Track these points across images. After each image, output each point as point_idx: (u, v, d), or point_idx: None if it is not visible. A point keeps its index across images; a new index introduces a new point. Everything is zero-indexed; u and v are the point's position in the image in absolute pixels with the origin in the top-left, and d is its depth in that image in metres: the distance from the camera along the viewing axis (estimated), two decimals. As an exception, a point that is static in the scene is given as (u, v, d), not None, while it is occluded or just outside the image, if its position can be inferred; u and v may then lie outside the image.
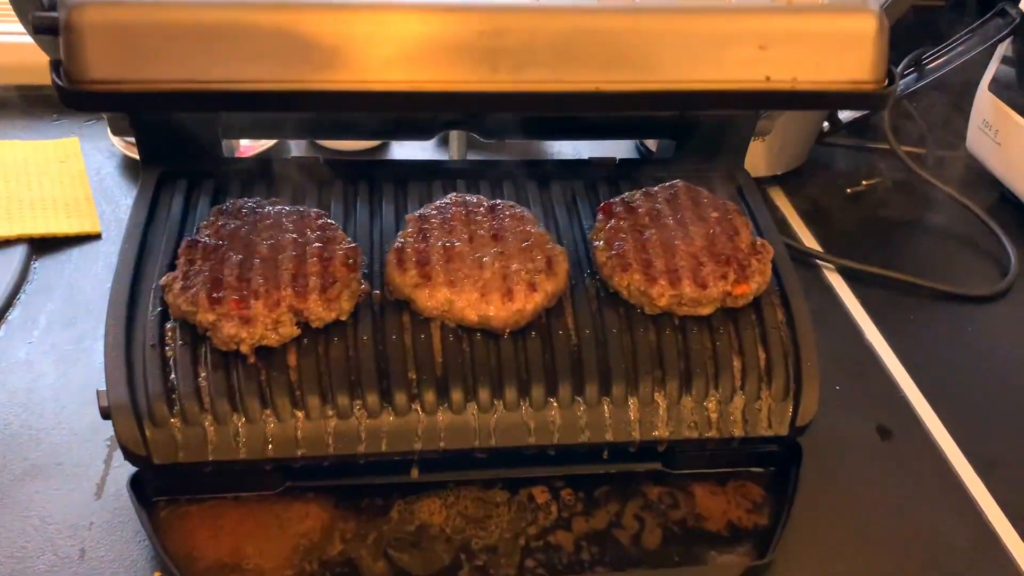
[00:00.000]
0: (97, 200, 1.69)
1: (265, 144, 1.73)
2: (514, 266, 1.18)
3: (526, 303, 1.14)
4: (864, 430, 1.35)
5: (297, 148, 1.82)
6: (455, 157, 1.54)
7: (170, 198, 1.31)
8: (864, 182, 1.85)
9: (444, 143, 1.75)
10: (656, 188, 1.34)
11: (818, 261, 1.70)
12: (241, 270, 1.14)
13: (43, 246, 1.50)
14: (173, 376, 1.09)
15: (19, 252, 1.52)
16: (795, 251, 1.69)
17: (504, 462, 1.19)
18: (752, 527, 1.18)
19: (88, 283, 1.49)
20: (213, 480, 1.14)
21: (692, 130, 1.44)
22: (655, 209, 1.30)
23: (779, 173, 1.90)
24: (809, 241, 1.75)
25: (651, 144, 1.88)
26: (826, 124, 1.94)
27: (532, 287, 1.16)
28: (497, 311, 1.13)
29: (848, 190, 1.86)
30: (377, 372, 1.12)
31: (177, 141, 1.35)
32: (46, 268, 1.52)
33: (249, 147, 1.75)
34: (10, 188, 1.65)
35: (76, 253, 1.52)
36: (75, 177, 1.73)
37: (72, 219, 1.62)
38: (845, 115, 1.95)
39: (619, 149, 1.90)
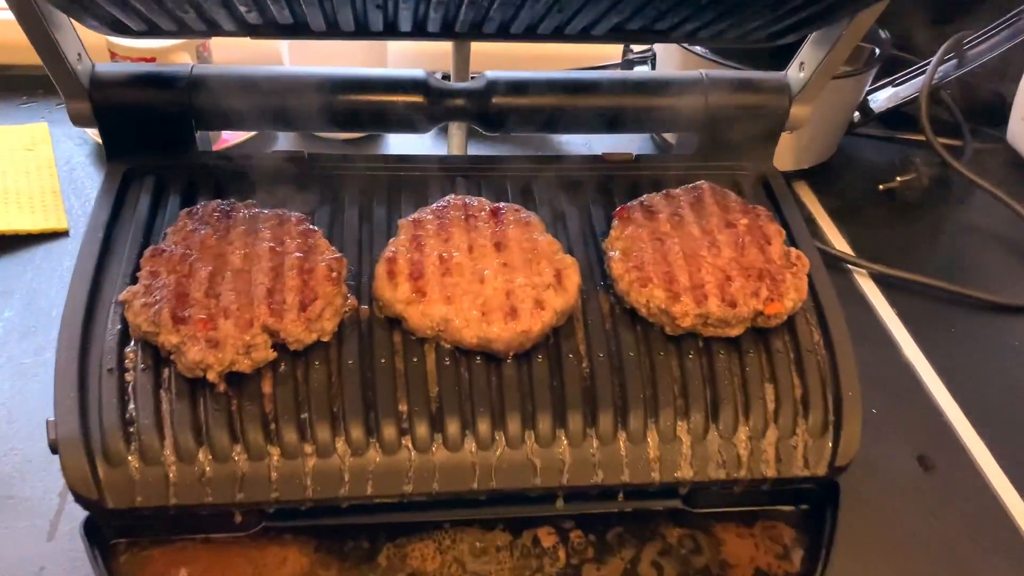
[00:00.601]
0: (65, 193, 1.55)
1: (248, 134, 1.59)
2: (519, 280, 1.05)
3: (532, 323, 1.01)
4: (904, 460, 1.22)
5: (287, 140, 1.68)
6: (455, 152, 1.40)
7: (136, 197, 1.17)
8: (899, 178, 1.70)
9: (443, 134, 1.61)
10: (679, 190, 1.20)
11: (849, 266, 1.56)
12: (210, 284, 1.01)
13: (3, 244, 1.38)
14: (132, 406, 0.96)
15: (-24, 251, 1.39)
16: (824, 255, 1.55)
17: (506, 500, 1.06)
18: None
19: (52, 287, 1.36)
20: (180, 520, 1.01)
21: (718, 122, 1.30)
22: (678, 214, 1.16)
23: (806, 167, 1.76)
24: (839, 242, 1.62)
25: (669, 138, 1.73)
26: (857, 114, 1.80)
27: (539, 305, 1.03)
28: (499, 332, 1.00)
29: (880, 186, 1.72)
30: (363, 402, 0.99)
31: (145, 132, 1.21)
32: (6, 269, 1.37)
33: (232, 137, 1.61)
34: (-30, 179, 1.52)
35: (40, 253, 1.40)
36: (42, 167, 1.60)
37: (37, 214, 1.49)
38: (878, 104, 1.81)
39: (633, 144, 1.76)
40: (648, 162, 1.32)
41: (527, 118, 1.27)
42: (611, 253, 1.11)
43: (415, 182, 1.24)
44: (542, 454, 0.99)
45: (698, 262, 1.09)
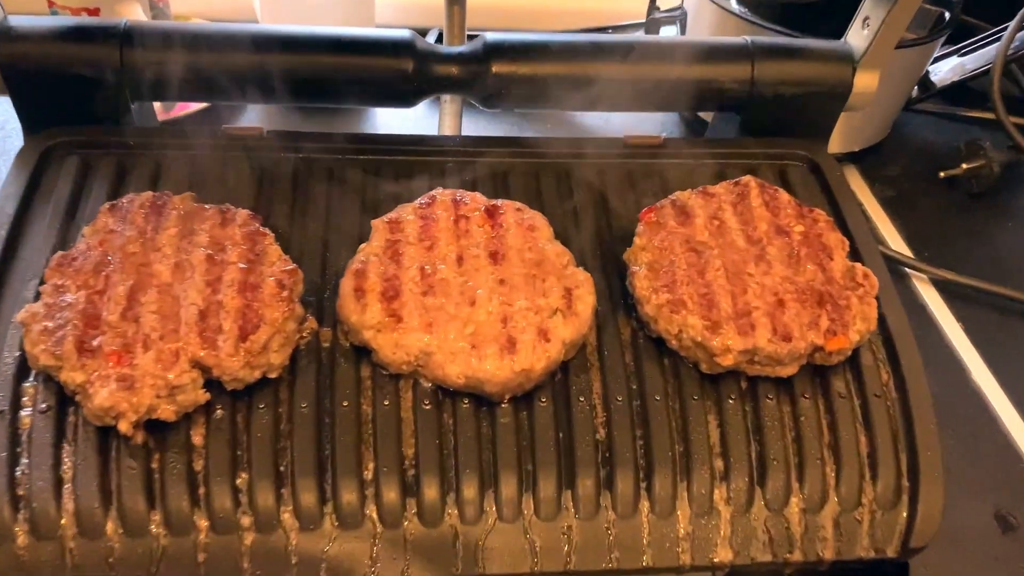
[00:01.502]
0: (-3, 167, 1.33)
1: (201, 105, 1.36)
2: (519, 303, 0.83)
3: (535, 359, 0.80)
4: (979, 518, 1.02)
5: (258, 114, 1.45)
6: (447, 132, 1.18)
7: (54, 184, 0.96)
8: (963, 164, 1.47)
9: (434, 109, 1.38)
10: (719, 187, 0.97)
11: (905, 269, 1.34)
12: (129, 304, 0.80)
13: None
14: (25, 460, 0.75)
15: None
16: (879, 255, 1.33)
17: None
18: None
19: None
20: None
21: (765, 99, 1.08)
22: (718, 218, 0.94)
23: (856, 149, 1.52)
24: (893, 240, 1.39)
25: (704, 116, 1.50)
26: (915, 88, 1.56)
27: (543, 335, 0.82)
28: (494, 370, 0.79)
29: (942, 173, 1.48)
30: (318, 459, 0.78)
31: (69, 102, 1.00)
32: None
33: (188, 107, 1.38)
34: None
35: None
36: (-29, 136, 1.37)
37: (-41, 193, 1.27)
38: (940, 77, 1.57)
39: (655, 124, 1.53)
40: (679, 147, 1.09)
41: (533, 91, 1.05)
42: (635, 267, 0.90)
43: (396, 170, 1.02)
44: (543, 530, 0.78)
45: (743, 281, 0.87)
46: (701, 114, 1.48)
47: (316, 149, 1.03)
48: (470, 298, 0.84)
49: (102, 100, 1.00)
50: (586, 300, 0.86)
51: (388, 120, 1.45)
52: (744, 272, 0.89)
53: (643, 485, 0.80)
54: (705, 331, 0.84)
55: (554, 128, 1.50)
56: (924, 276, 1.33)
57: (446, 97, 1.18)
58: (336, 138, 1.04)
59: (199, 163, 1.00)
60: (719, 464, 0.82)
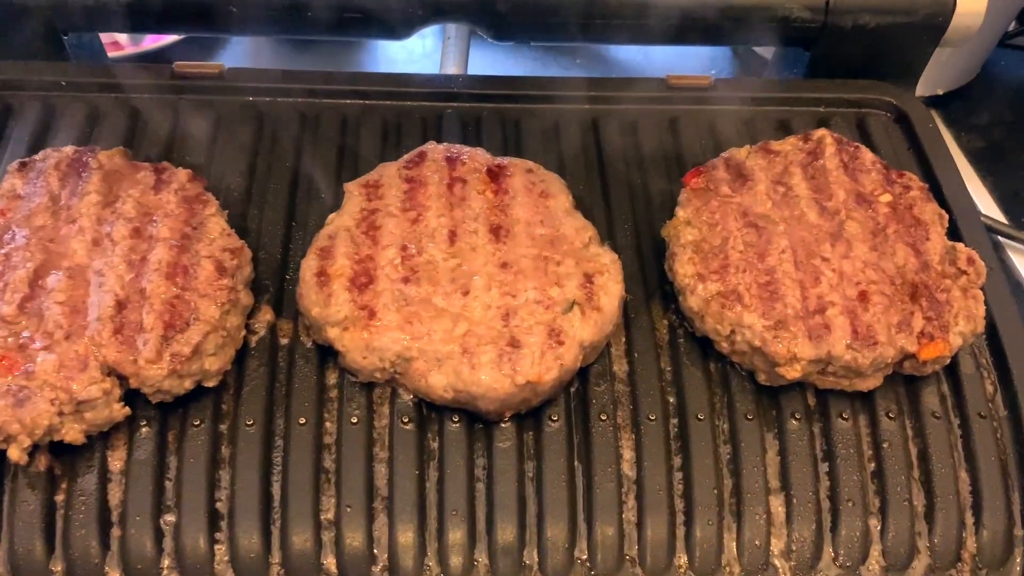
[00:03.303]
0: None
1: (168, 39, 1.17)
2: (526, 293, 0.66)
3: (543, 369, 0.63)
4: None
5: (244, 51, 1.25)
6: (451, 71, 0.97)
7: None
8: (1070, 111, 1.24)
9: (436, 43, 1.17)
10: (784, 142, 0.77)
11: (999, 238, 1.12)
12: (31, 290, 0.63)
13: None
14: None
15: None
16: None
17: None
18: None
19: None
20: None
21: (842, 29, 0.87)
22: (783, 183, 0.74)
23: (939, 93, 1.29)
24: (984, 201, 1.17)
25: (762, 52, 1.27)
26: (1013, 22, 1.32)
27: (556, 336, 0.64)
28: (491, 381, 0.62)
29: (1042, 121, 1.25)
30: (262, 494, 0.62)
31: None
32: None
33: (154, 40, 1.19)
34: None
35: None
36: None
37: None
38: (1044, 6, 1.32)
39: (702, 60, 1.30)
40: (732, 89, 0.90)
41: (553, 17, 0.85)
42: (677, 248, 0.70)
43: (383, 118, 0.84)
44: (551, 589, 0.62)
45: (815, 268, 0.68)
46: (758, 49, 1.26)
47: (285, 91, 0.84)
48: (463, 287, 0.66)
49: (28, 30, 0.83)
50: (611, 291, 0.68)
51: (388, 60, 1.25)
52: (817, 255, 0.69)
53: (680, 532, 0.63)
54: (766, 333, 0.65)
55: (584, 66, 1.29)
56: (1021, 246, 1.11)
57: (451, 29, 0.98)
58: (310, 77, 0.86)
59: (143, 109, 0.82)
60: (778, 505, 0.65)
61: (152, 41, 1.21)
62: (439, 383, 0.64)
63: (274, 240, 0.74)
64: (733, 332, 0.67)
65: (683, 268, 0.69)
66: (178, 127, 0.81)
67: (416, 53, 1.28)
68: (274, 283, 0.72)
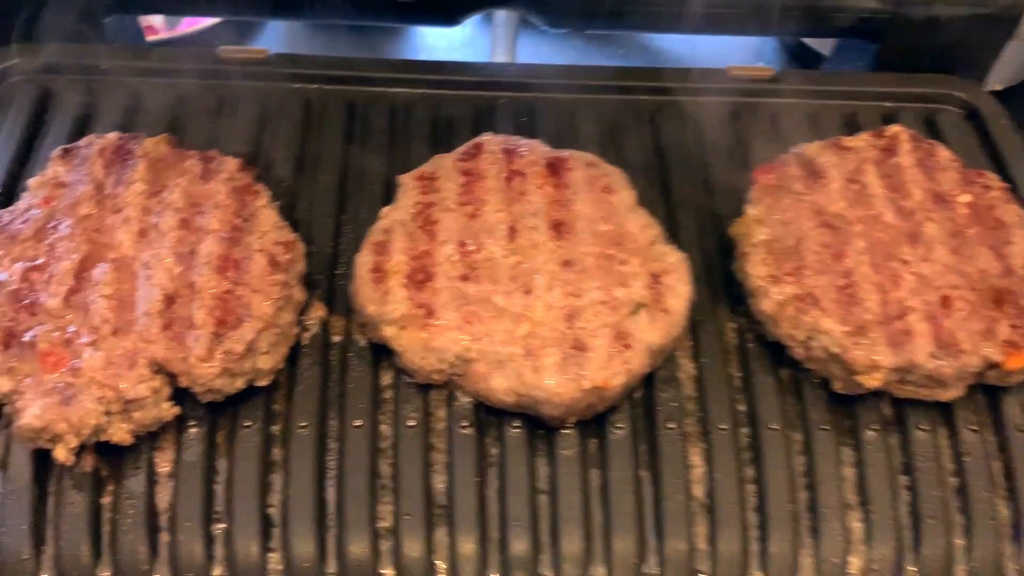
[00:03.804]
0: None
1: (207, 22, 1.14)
2: (590, 293, 0.63)
3: (611, 373, 0.60)
4: None
5: (279, 36, 1.21)
6: (500, 59, 0.94)
7: (4, 119, 0.77)
8: None
9: (484, 30, 1.13)
10: (858, 139, 0.74)
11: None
12: (77, 283, 0.61)
13: None
14: None
15: None
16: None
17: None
18: None
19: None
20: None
21: (911, 23, 0.82)
22: (857, 180, 0.71)
23: (999, 87, 1.24)
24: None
25: (818, 46, 1.22)
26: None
27: (623, 339, 0.61)
28: (556, 386, 0.59)
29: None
30: (317, 500, 0.59)
31: (27, 13, 0.79)
32: None
33: (191, 24, 1.16)
34: None
35: None
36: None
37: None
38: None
39: (748, 51, 1.25)
40: (795, 82, 0.87)
41: (611, 5, 0.81)
42: (747, 247, 0.67)
43: (433, 107, 0.80)
44: (617, 605, 0.59)
45: (894, 271, 0.65)
46: (810, 42, 1.21)
47: (333, 78, 0.81)
48: (524, 285, 0.63)
49: (68, 10, 0.80)
50: (679, 292, 0.65)
51: (427, 48, 1.21)
52: (895, 257, 0.66)
53: (755, 548, 0.60)
54: (845, 339, 0.62)
55: (627, 56, 1.25)
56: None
57: (499, 16, 0.94)
58: (359, 64, 0.83)
59: (187, 95, 0.79)
60: (856, 520, 0.61)
61: (187, 25, 1.18)
62: (500, 386, 0.61)
63: (324, 233, 0.71)
64: (809, 338, 0.63)
65: (756, 269, 0.66)
66: (222, 114, 0.78)
67: (456, 41, 1.25)
68: (326, 278, 0.69)
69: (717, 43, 1.29)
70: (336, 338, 0.66)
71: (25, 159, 0.74)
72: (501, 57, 0.93)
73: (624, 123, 0.81)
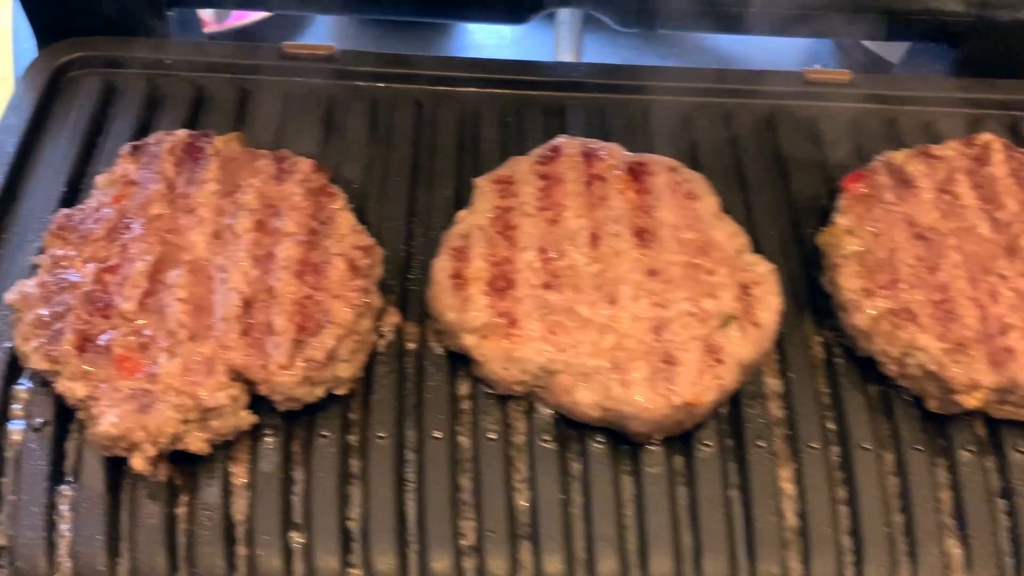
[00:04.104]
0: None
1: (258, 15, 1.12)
2: (679, 304, 0.60)
3: (702, 389, 0.58)
4: None
5: (327, 30, 1.19)
6: (565, 58, 0.91)
7: (68, 112, 0.75)
8: None
9: (545, 28, 1.11)
10: (947, 147, 0.72)
11: None
12: (151, 286, 0.59)
13: None
14: (12, 497, 0.56)
15: None
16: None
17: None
18: None
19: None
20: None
21: (996, 26, 0.80)
22: (949, 191, 0.68)
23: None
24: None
25: (881, 50, 1.18)
26: None
27: (714, 353, 0.58)
28: (646, 402, 0.56)
29: None
30: (397, 513, 0.57)
31: (89, 3, 0.78)
32: None
33: (241, 16, 1.14)
34: None
35: None
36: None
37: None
38: None
39: (798, 52, 1.22)
40: (872, 87, 0.84)
41: (689, 5, 0.78)
42: (838, 259, 0.65)
43: (503, 107, 0.78)
44: (709, 632, 0.56)
45: (991, 285, 0.62)
46: (872, 45, 1.18)
47: (400, 76, 0.79)
48: (609, 295, 0.61)
49: (130, 4, 0.78)
50: (770, 304, 0.62)
51: (475, 46, 1.19)
52: (992, 271, 0.64)
53: (849, 573, 0.58)
54: (943, 357, 0.59)
55: (680, 55, 1.22)
56: None
57: (563, 14, 0.92)
58: (427, 62, 0.80)
59: (251, 91, 0.77)
60: (954, 546, 0.59)
61: (236, 19, 1.16)
62: (586, 400, 0.59)
63: (395, 236, 0.69)
64: (905, 354, 0.61)
65: (848, 282, 0.64)
66: (289, 112, 0.76)
67: (507, 38, 1.22)
68: (398, 283, 0.67)
69: (771, 44, 1.26)
70: (411, 345, 0.64)
71: (89, 154, 0.73)
72: (565, 56, 0.90)
73: (698, 125, 0.78)
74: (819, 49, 1.27)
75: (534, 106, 0.79)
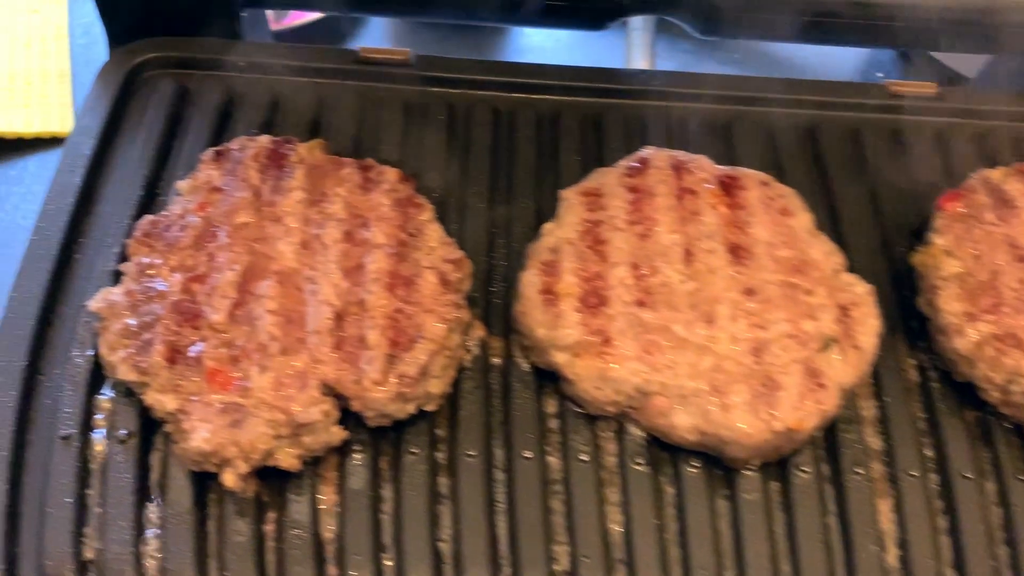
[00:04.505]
0: (78, 78, 1.11)
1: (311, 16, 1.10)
2: (777, 325, 0.58)
3: (805, 415, 0.56)
4: None
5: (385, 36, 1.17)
6: (637, 65, 0.89)
7: (142, 115, 0.74)
8: None
9: (617, 36, 1.09)
10: None
11: None
12: (240, 297, 0.58)
13: None
14: (98, 509, 0.55)
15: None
16: None
17: None
18: None
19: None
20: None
21: None
22: (1051, 212, 0.66)
23: None
24: None
25: (957, 66, 1.15)
26: None
27: (815, 378, 0.57)
28: (748, 427, 0.55)
29: None
30: (489, 535, 0.56)
31: (163, 5, 0.77)
32: None
33: (295, 17, 1.13)
34: (-52, 51, 1.10)
35: (33, 165, 1.00)
36: (48, 38, 1.16)
37: (33, 108, 1.06)
38: None
39: (858, 61, 1.19)
40: (961, 100, 0.81)
41: (775, 14, 0.77)
42: (937, 280, 0.63)
43: (582, 115, 0.77)
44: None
45: None
46: (943, 57, 1.14)
47: (477, 82, 0.78)
48: (706, 314, 0.60)
49: (204, 4, 0.77)
50: (870, 327, 0.61)
51: (535, 48, 1.17)
52: (1100, 297, 0.61)
53: (954, 608, 0.56)
54: (1052, 385, 0.57)
55: (742, 63, 1.19)
56: None
57: (635, 21, 0.90)
58: (505, 68, 0.79)
59: (326, 95, 0.76)
60: (1061, 583, 0.57)
61: (292, 19, 1.15)
62: (684, 423, 0.57)
63: (476, 247, 0.67)
64: (1009, 381, 0.59)
65: (949, 305, 0.62)
66: (366, 118, 0.75)
67: (562, 42, 1.20)
68: (481, 296, 0.65)
69: (830, 50, 1.23)
70: (495, 360, 0.63)
71: (166, 157, 0.72)
72: (638, 63, 0.88)
73: (783, 138, 0.76)
74: (880, 57, 1.25)
75: (613, 115, 0.77)
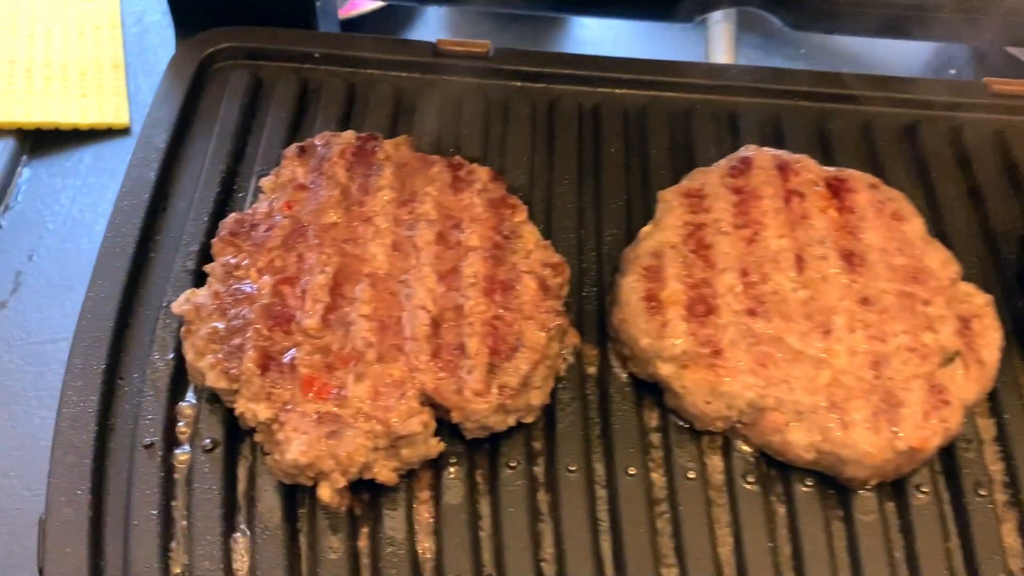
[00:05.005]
0: (131, 68, 1.09)
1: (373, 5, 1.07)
2: (897, 338, 0.55)
3: (928, 433, 0.53)
4: None
5: (430, 23, 1.14)
6: (718, 60, 0.86)
7: (216, 107, 0.72)
8: None
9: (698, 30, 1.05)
10: None
11: None
12: (333, 300, 0.55)
13: (40, 143, 0.96)
14: (184, 522, 0.53)
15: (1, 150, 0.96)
16: None
17: None
18: None
19: (104, 212, 0.92)
20: None
21: None
22: None
23: None
24: None
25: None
26: None
27: (939, 394, 0.53)
28: (869, 445, 0.52)
29: None
30: (594, 555, 0.53)
31: None
32: (40, 181, 0.95)
33: (360, 4, 1.10)
34: None
35: (88, 157, 0.97)
36: (102, 27, 1.14)
37: (89, 99, 1.04)
38: None
39: (926, 55, 1.16)
40: None
41: (867, 8, 0.73)
42: (1062, 292, 0.59)
43: (668, 111, 0.73)
44: None
45: None
46: (1013, 49, 1.11)
47: (559, 76, 0.74)
48: (822, 325, 0.56)
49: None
50: (992, 340, 0.58)
51: (595, 41, 1.13)
52: None
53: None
54: None
55: (808, 57, 1.15)
56: None
57: (716, 16, 0.87)
58: (587, 62, 0.76)
59: (404, 89, 0.73)
60: None
61: (350, 8, 1.12)
62: (800, 441, 0.54)
63: (566, 250, 0.64)
64: None
65: (1073, 317, 0.59)
66: (446, 113, 0.72)
67: (622, 33, 1.17)
68: (573, 300, 0.62)
69: (900, 46, 1.19)
70: (591, 369, 0.60)
71: (242, 152, 0.69)
72: (719, 58, 0.85)
73: (880, 138, 0.73)
74: (951, 52, 1.21)
75: (701, 112, 0.74)
